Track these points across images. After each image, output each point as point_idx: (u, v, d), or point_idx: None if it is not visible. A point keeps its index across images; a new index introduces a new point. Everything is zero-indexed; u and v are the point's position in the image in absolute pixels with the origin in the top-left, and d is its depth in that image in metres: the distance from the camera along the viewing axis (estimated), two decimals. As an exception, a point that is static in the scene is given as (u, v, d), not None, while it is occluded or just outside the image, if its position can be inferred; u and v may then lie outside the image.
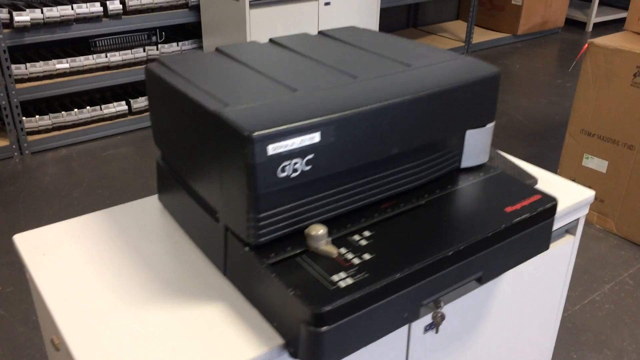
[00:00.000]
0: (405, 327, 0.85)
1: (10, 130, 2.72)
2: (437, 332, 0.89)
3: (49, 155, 2.80)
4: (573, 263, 1.11)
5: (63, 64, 2.80)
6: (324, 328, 0.65)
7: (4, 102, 2.65)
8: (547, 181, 1.06)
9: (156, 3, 2.93)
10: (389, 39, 1.00)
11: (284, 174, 0.69)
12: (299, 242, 0.74)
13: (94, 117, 2.91)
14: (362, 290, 0.67)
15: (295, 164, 0.70)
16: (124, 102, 2.98)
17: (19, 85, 2.69)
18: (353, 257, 0.72)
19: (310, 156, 0.70)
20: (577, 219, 1.06)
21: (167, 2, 2.96)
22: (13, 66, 2.65)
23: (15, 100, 2.68)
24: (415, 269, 0.71)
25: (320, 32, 1.04)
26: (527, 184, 0.89)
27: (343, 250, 0.74)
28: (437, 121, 0.82)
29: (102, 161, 2.74)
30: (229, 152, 0.69)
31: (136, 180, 2.57)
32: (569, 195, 1.02)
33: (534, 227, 0.84)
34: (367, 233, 0.77)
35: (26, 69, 2.71)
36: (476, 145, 0.91)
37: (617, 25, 5.00)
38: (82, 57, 2.83)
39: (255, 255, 0.72)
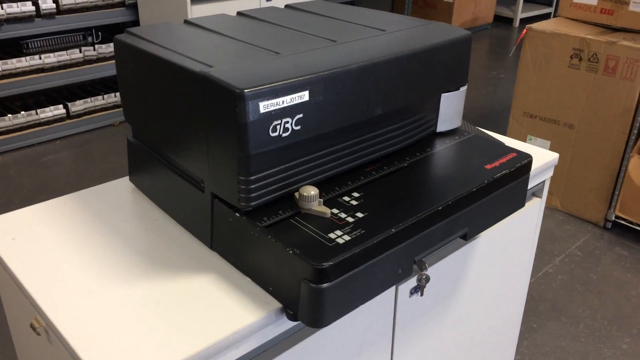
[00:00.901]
0: (392, 291, 0.85)
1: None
2: (422, 294, 0.90)
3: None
4: (539, 226, 1.15)
5: (-6, 67, 2.67)
6: (326, 284, 0.64)
7: None
8: (511, 146, 1.09)
9: (91, 2, 2.83)
10: (358, 9, 1.00)
11: (275, 134, 0.68)
12: (289, 206, 0.73)
13: (29, 122, 2.78)
14: (361, 246, 0.66)
15: (286, 123, 0.69)
16: (61, 106, 2.86)
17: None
18: (346, 216, 0.72)
19: (299, 115, 0.70)
20: (543, 182, 1.10)
21: (103, 0, 2.87)
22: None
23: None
24: (409, 223, 0.71)
25: (287, 6, 1.03)
26: (500, 144, 0.91)
27: (335, 210, 0.73)
28: (416, 82, 0.83)
29: (41, 167, 2.62)
30: (218, 113, 0.67)
31: (80, 184, 2.47)
32: (535, 158, 1.06)
33: (512, 184, 0.86)
34: (356, 194, 0.77)
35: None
36: (451, 108, 0.93)
37: (541, 20, 5.24)
38: (14, 60, 2.70)
39: (247, 220, 0.70)
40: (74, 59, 2.87)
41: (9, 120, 2.72)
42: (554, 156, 1.07)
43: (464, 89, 0.93)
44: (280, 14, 0.97)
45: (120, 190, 0.93)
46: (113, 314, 0.67)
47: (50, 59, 2.79)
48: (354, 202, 0.75)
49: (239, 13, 0.98)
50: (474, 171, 0.83)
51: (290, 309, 0.68)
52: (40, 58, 2.77)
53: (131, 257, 0.77)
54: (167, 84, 0.75)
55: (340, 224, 0.70)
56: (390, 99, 0.80)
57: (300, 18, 0.94)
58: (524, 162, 0.87)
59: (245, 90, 0.64)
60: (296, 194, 0.73)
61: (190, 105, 0.72)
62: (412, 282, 0.88)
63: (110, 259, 0.77)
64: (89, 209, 0.88)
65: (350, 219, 0.71)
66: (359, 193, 0.77)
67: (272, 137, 0.68)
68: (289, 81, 0.67)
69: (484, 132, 1.06)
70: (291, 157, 0.72)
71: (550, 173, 1.10)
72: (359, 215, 0.72)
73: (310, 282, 0.63)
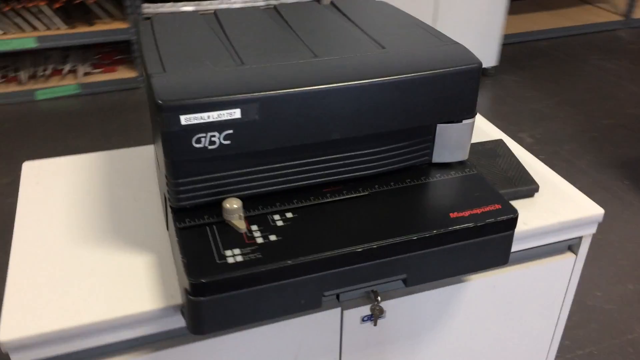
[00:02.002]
0: (338, 313, 0.85)
1: (138, 65, 2.98)
2: (375, 324, 0.87)
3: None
4: (575, 285, 1.01)
5: None
6: (201, 298, 0.67)
7: (135, 37, 2.90)
8: (556, 190, 0.96)
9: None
10: (388, 10, 0.95)
11: (200, 145, 0.71)
12: (220, 212, 0.77)
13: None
14: (247, 270, 0.68)
15: (213, 136, 0.71)
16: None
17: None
18: (259, 236, 0.73)
19: (229, 131, 0.71)
20: (581, 237, 0.95)
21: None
22: (144, 5, 2.87)
23: (144, 36, 2.93)
24: (314, 259, 0.70)
25: (332, 3, 1.01)
26: (493, 191, 0.82)
27: (255, 227, 0.75)
28: (391, 112, 0.78)
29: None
30: (155, 117, 0.73)
31: None
32: (575, 209, 0.92)
33: (483, 238, 0.78)
34: (289, 215, 0.77)
35: (157, 9, 2.91)
36: (449, 141, 0.85)
37: None
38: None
39: (173, 217, 0.76)
40: None
41: None
42: (598, 211, 0.92)
43: (469, 121, 0.84)
44: (309, 13, 0.96)
45: (143, 156, 1.04)
46: (53, 269, 0.79)
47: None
48: (280, 223, 0.75)
49: (276, 7, 0.99)
50: (432, 217, 0.77)
51: (182, 310, 0.73)
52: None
53: (105, 222, 0.88)
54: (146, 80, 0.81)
55: (246, 243, 0.72)
56: (351, 126, 0.77)
57: (321, 20, 0.93)
58: (502, 218, 0.77)
59: (167, 103, 0.68)
60: (222, 203, 0.76)
61: (151, 102, 0.78)
62: (364, 309, 0.86)
63: (87, 221, 0.88)
64: (109, 169, 1.01)
65: (260, 240, 0.72)
66: (294, 214, 0.77)
67: (196, 147, 0.71)
68: (217, 98, 0.69)
69: (519, 166, 0.96)
70: (221, 168, 0.75)
71: (593, 230, 0.95)
72: (272, 238, 0.73)
73: (187, 293, 0.67)
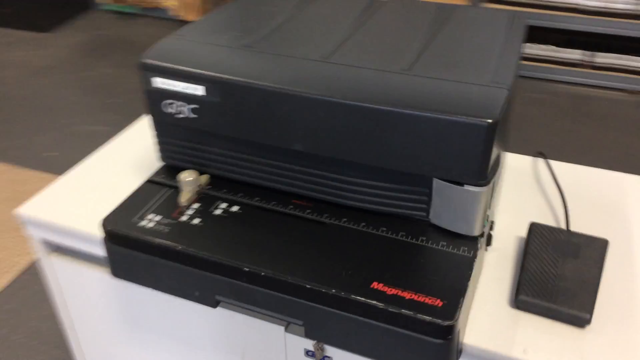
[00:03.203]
0: (282, 330, 0.78)
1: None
2: (316, 364, 0.77)
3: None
4: None
5: None
6: (110, 244, 0.72)
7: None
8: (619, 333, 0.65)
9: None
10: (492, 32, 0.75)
11: (171, 111, 0.73)
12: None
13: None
14: (144, 236, 0.69)
15: (181, 106, 0.72)
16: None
17: (497, 3, 2.79)
18: (188, 215, 0.72)
19: (195, 105, 0.71)
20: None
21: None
22: None
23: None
24: (204, 257, 0.67)
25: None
26: (461, 286, 0.61)
27: (197, 205, 0.74)
28: (364, 141, 0.65)
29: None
30: (159, 73, 0.77)
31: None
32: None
33: (392, 328, 0.60)
34: (235, 208, 0.73)
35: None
36: (449, 204, 0.66)
37: None
38: None
39: (156, 171, 0.80)
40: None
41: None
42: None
43: (473, 189, 0.63)
44: (396, 8, 0.83)
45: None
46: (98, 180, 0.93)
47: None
48: (217, 212, 0.73)
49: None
50: (354, 275, 0.63)
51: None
52: None
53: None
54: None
55: (171, 215, 0.72)
56: (321, 143, 0.67)
57: (401, 20, 0.79)
58: (422, 317, 0.58)
59: (145, 62, 0.72)
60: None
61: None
62: (307, 342, 0.77)
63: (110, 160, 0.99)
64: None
65: (184, 218, 0.72)
66: (239, 209, 0.73)
67: (167, 112, 0.74)
68: (185, 69, 0.70)
69: (575, 240, 0.68)
70: (193, 140, 0.75)
71: None
72: (195, 221, 0.71)
73: (104, 236, 0.73)
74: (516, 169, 0.94)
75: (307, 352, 0.78)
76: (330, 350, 0.76)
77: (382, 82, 0.65)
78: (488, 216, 0.71)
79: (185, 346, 0.88)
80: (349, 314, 0.62)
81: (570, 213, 0.84)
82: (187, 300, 0.81)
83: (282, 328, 0.77)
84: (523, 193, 0.89)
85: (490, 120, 0.59)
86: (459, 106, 0.61)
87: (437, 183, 0.66)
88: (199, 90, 0.70)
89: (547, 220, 0.83)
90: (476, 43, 0.74)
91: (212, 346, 0.85)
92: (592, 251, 0.73)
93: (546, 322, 0.68)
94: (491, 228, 0.78)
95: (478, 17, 0.82)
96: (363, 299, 0.61)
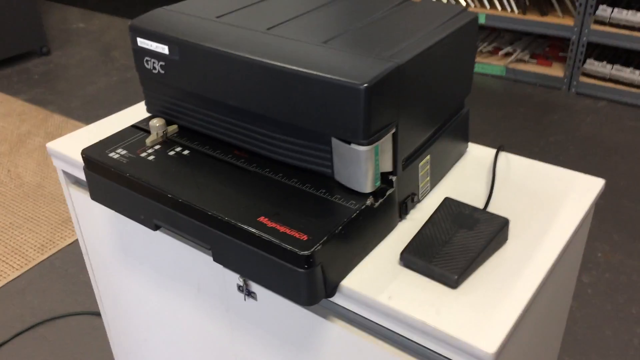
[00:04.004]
0: (221, 275, 0.90)
1: (568, 65, 2.83)
2: (245, 297, 0.88)
3: (588, 102, 2.79)
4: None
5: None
6: (86, 171, 0.89)
7: (574, 37, 2.76)
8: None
9: None
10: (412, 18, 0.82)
11: (149, 67, 0.89)
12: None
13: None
14: (107, 164, 0.85)
15: (154, 62, 0.88)
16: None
17: (594, 27, 2.70)
18: (147, 154, 0.87)
19: (162, 62, 0.86)
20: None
21: None
22: (600, 7, 2.66)
23: (584, 39, 2.73)
24: (145, 186, 0.81)
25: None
26: (332, 228, 0.70)
27: (158, 147, 0.89)
28: (277, 99, 0.76)
29: None
30: (150, 38, 0.93)
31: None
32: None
33: (266, 254, 0.71)
34: (186, 152, 0.87)
35: (610, 13, 2.66)
36: (344, 162, 0.75)
37: None
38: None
39: (142, 119, 0.96)
40: None
41: (637, 75, 2.67)
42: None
43: (358, 148, 0.72)
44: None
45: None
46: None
47: None
48: (171, 153, 0.87)
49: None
50: (248, 210, 0.74)
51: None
52: None
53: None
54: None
55: (136, 152, 0.88)
56: (248, 99, 0.79)
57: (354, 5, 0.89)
58: (285, 246, 0.68)
59: (132, 24, 0.88)
60: (156, 120, 0.92)
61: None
62: (237, 278, 0.89)
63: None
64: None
65: (143, 154, 0.87)
66: (189, 153, 0.87)
67: (146, 68, 0.89)
68: (158, 32, 0.85)
69: (460, 206, 0.74)
70: (166, 93, 0.90)
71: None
72: (150, 158, 0.86)
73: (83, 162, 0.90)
74: (476, 159, 0.99)
75: (239, 287, 0.90)
76: (254, 287, 0.87)
77: (295, 49, 0.76)
78: (393, 180, 0.78)
79: (158, 275, 1.03)
80: (240, 241, 0.73)
81: (500, 198, 0.88)
82: (154, 233, 0.96)
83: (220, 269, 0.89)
84: (470, 178, 0.94)
85: (365, 84, 0.68)
86: (343, 71, 0.70)
87: (334, 142, 0.75)
88: (165, 49, 0.85)
89: (473, 200, 0.87)
90: (402, 28, 0.82)
91: (175, 277, 1.00)
92: (488, 226, 0.77)
93: (424, 279, 0.74)
94: (412, 200, 0.85)
95: (426, 9, 0.89)
96: (246, 227, 0.72)
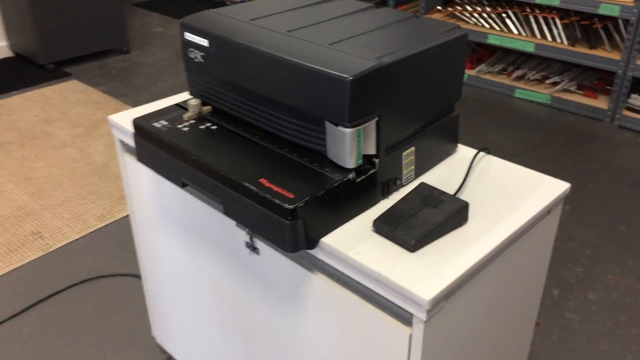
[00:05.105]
0: (233, 224, 1.08)
1: (612, 98, 2.88)
2: (250, 252, 1.06)
3: (628, 135, 2.84)
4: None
5: None
6: (135, 136, 1.10)
7: (620, 71, 2.81)
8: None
9: None
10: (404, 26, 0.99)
11: (192, 56, 1.09)
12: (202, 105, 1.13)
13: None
14: (150, 132, 1.05)
15: (196, 53, 1.08)
16: None
17: (641, 62, 2.75)
18: (183, 126, 1.07)
19: (202, 53, 1.06)
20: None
21: None
22: (649, 43, 2.72)
23: (629, 73, 2.78)
24: (177, 148, 1.01)
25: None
26: (318, 192, 0.87)
27: (192, 121, 1.08)
28: (283, 86, 0.94)
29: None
30: (197, 34, 1.14)
31: None
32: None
33: (260, 208, 0.88)
34: (214, 127, 1.06)
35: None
36: (334, 141, 0.92)
37: None
38: None
39: (184, 100, 1.17)
40: None
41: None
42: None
43: (342, 130, 0.88)
44: (370, 13, 1.09)
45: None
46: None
47: None
48: (201, 127, 1.06)
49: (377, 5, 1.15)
50: (251, 172, 0.92)
51: (152, 148, 1.16)
52: None
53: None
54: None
55: (175, 123, 1.07)
56: (267, 87, 0.97)
57: (358, 17, 1.06)
58: (275, 200, 0.85)
59: (182, 21, 1.09)
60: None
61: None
62: (245, 235, 1.07)
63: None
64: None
65: (179, 126, 1.07)
66: (216, 128, 1.06)
67: (190, 57, 1.10)
68: (201, 29, 1.05)
69: (430, 190, 0.89)
70: (205, 79, 1.10)
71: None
72: (185, 129, 1.06)
73: (133, 129, 1.11)
74: (464, 158, 1.13)
75: (246, 244, 1.08)
76: (257, 244, 1.05)
77: (304, 48, 0.94)
78: (376, 162, 0.95)
79: (185, 232, 1.23)
80: (243, 197, 0.92)
81: (472, 189, 1.03)
82: (183, 195, 1.16)
83: (234, 223, 1.08)
84: (452, 173, 1.09)
85: (350, 78, 0.85)
86: (336, 66, 0.87)
87: (327, 124, 0.92)
88: (205, 42, 1.05)
89: (448, 189, 1.02)
90: (398, 38, 0.99)
91: (198, 235, 1.19)
92: (449, 207, 0.92)
93: (389, 243, 0.90)
94: (395, 183, 1.01)
95: (424, 24, 1.06)
96: (248, 184, 0.90)
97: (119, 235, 2.10)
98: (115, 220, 2.18)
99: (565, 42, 3.02)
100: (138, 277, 1.90)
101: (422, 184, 0.98)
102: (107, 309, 1.79)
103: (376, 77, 0.89)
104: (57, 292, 1.85)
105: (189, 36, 1.08)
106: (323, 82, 0.88)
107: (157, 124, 1.08)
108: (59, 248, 2.04)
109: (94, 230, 2.13)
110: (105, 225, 2.15)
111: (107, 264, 1.97)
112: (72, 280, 1.90)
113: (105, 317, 1.76)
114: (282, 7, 1.15)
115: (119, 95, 3.29)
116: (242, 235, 1.06)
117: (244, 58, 0.99)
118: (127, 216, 2.21)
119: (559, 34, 3.06)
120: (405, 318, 0.86)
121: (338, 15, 1.11)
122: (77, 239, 2.08)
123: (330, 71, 0.87)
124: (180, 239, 1.26)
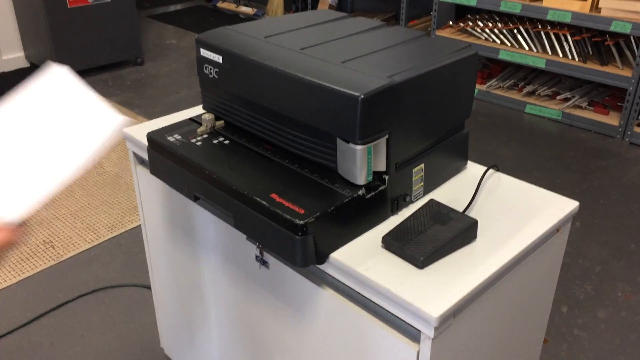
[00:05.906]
0: (243, 237, 1.09)
1: (624, 115, 2.87)
2: (260, 265, 1.07)
3: (638, 152, 2.83)
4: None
5: None
6: (149, 149, 1.12)
7: (631, 88, 2.81)
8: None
9: None
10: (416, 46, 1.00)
11: (207, 72, 1.11)
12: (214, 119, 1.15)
13: None
14: (163, 145, 1.07)
15: (211, 69, 1.10)
16: None
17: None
18: (196, 140, 1.09)
19: (217, 69, 1.08)
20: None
21: None
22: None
23: (641, 90, 2.78)
24: (189, 162, 1.02)
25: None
26: (326, 206, 0.88)
27: (206, 136, 1.10)
28: (296, 103, 0.95)
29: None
30: (211, 49, 1.16)
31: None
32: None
33: (269, 221, 0.90)
34: (226, 142, 1.08)
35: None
36: (345, 158, 0.93)
37: None
38: None
39: (198, 115, 1.18)
40: None
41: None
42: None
43: (353, 147, 0.90)
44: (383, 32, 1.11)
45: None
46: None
47: None
48: (215, 141, 1.08)
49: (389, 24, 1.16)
50: (263, 188, 0.93)
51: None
52: None
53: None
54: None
55: (189, 138, 1.09)
56: (278, 101, 0.99)
57: (366, 36, 1.08)
58: (286, 216, 0.86)
59: (198, 37, 1.11)
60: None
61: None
62: (255, 248, 1.08)
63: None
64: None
65: (193, 140, 1.08)
66: (229, 142, 1.07)
67: (205, 73, 1.11)
68: (216, 45, 1.07)
69: (441, 207, 0.90)
70: (218, 94, 1.12)
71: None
72: (198, 143, 1.07)
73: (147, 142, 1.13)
74: (473, 175, 1.14)
75: (256, 257, 1.09)
76: (268, 257, 1.06)
77: (317, 65, 0.96)
78: (386, 178, 0.96)
79: (196, 245, 1.24)
80: (254, 211, 0.93)
81: (481, 206, 1.04)
82: (195, 208, 1.17)
83: (244, 236, 1.09)
84: (462, 189, 1.09)
85: (361, 96, 0.86)
86: (348, 84, 0.89)
87: (338, 141, 0.94)
88: (220, 59, 1.07)
89: (457, 206, 1.03)
90: (409, 57, 1.00)
91: (208, 248, 1.20)
92: (458, 224, 0.93)
93: (398, 259, 0.91)
94: (404, 199, 1.02)
95: (435, 43, 1.07)
96: (259, 199, 0.91)
97: (129, 246, 2.12)
98: (126, 231, 2.20)
99: (577, 59, 3.02)
100: (148, 287, 1.92)
101: (431, 200, 0.99)
102: (117, 319, 1.80)
103: (387, 96, 0.90)
104: (68, 302, 1.86)
105: (204, 52, 1.10)
106: (335, 99, 0.90)
107: (171, 138, 1.10)
108: (69, 257, 2.06)
109: (105, 241, 2.15)
110: (115, 236, 2.17)
111: (117, 274, 1.99)
112: (83, 290, 1.92)
113: (114, 327, 1.77)
114: (295, 25, 1.16)
115: (133, 106, 3.33)
116: (253, 249, 1.08)
117: (257, 75, 1.01)
118: (137, 227, 2.23)
119: (570, 50, 3.06)
120: (413, 334, 0.86)
121: (350, 34, 1.12)
122: (88, 249, 2.10)
123: (342, 89, 0.89)
124: (190, 251, 1.27)
